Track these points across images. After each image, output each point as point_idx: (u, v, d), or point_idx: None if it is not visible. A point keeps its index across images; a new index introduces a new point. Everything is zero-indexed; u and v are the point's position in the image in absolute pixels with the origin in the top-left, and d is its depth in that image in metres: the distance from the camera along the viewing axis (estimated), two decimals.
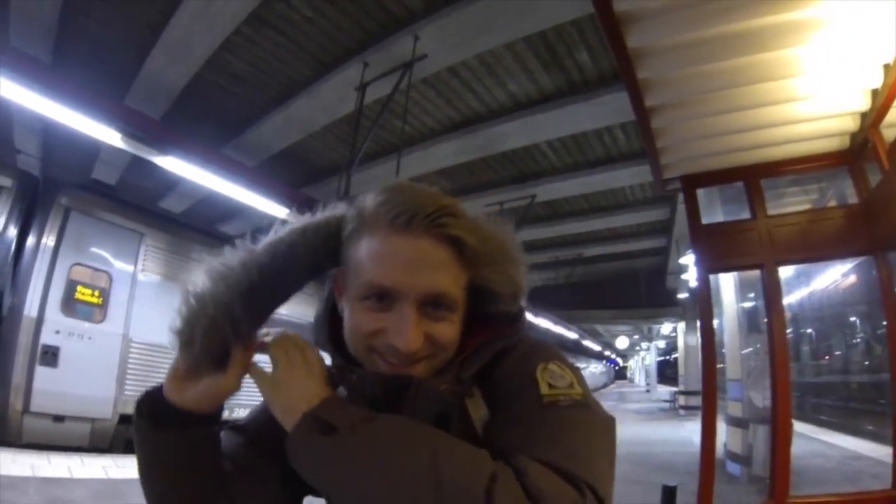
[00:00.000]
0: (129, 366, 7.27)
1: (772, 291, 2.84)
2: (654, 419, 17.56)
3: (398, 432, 0.69)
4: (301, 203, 7.79)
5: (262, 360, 0.85)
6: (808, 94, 2.60)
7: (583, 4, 5.45)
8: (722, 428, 7.83)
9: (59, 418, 6.60)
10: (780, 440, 2.73)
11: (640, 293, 19.54)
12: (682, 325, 21.53)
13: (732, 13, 2.19)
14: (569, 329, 21.00)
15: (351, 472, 0.67)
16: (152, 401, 0.83)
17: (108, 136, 5.37)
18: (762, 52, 2.38)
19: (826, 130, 2.81)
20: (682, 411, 18.62)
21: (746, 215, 3.02)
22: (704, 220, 3.15)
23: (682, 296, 17.72)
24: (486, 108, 8.85)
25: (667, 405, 21.99)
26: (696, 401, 17.48)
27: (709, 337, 3.08)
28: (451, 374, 0.82)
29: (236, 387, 0.83)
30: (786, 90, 2.57)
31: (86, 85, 5.65)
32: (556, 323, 18.82)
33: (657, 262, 17.99)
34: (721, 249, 3.03)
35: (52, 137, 10.85)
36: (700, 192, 3.24)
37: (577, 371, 0.81)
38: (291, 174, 11.31)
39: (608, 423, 0.78)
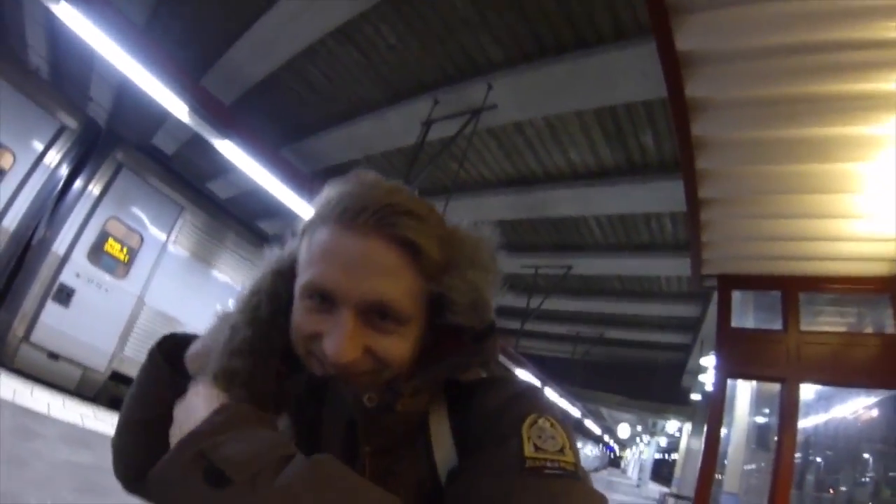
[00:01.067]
0: (136, 327, 7.32)
1: (789, 409, 2.71)
2: None
3: (314, 488, 0.56)
4: None
5: None
6: (862, 212, 2.52)
7: (658, 87, 5.50)
8: None
9: (53, 356, 6.64)
10: None
11: (653, 385, 18.99)
12: (688, 426, 20.73)
13: (802, 118, 2.17)
14: (573, 405, 20.49)
15: None
16: (174, 345, 0.86)
17: (176, 106, 5.55)
18: (824, 163, 2.34)
19: (874, 253, 2.71)
20: None
21: (777, 325, 2.94)
22: (735, 324, 3.09)
23: (696, 397, 17.20)
24: (542, 169, 8.92)
25: None
26: None
27: (714, 441, 2.96)
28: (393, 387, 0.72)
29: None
30: (841, 205, 2.51)
31: (170, 56, 5.89)
32: (561, 396, 18.41)
33: (677, 358, 17.49)
34: (745, 356, 2.91)
35: (124, 95, 11.31)
36: (735, 295, 3.18)
37: (570, 432, 0.69)
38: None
39: (601, 502, 0.65)
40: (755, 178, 2.49)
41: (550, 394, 17.27)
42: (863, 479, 12.06)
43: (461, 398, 0.77)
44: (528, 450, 0.64)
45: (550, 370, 18.69)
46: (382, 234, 0.68)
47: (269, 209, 13.56)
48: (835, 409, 12.43)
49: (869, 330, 5.35)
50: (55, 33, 10.64)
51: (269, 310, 0.78)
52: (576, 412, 21.79)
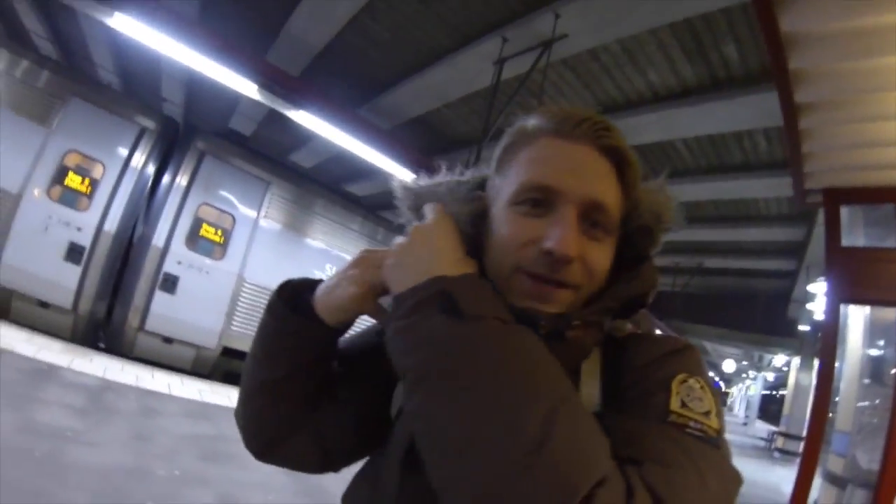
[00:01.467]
0: (239, 303, 7.82)
1: None
2: (746, 456, 16.10)
3: (530, 358, 0.58)
4: (430, 171, 7.90)
5: None
6: None
7: None
8: (816, 482, 7.10)
9: (168, 340, 7.31)
10: None
11: (757, 317, 17.89)
12: (796, 361, 19.59)
13: None
14: None
15: (451, 374, 0.56)
16: (295, 289, 0.83)
17: (246, 87, 5.72)
18: None
19: None
20: (777, 454, 17.23)
21: (892, 244, 2.62)
22: (844, 243, 2.78)
23: (804, 328, 16.12)
24: (623, 96, 8.45)
25: (762, 444, 20.45)
26: (796, 446, 16.13)
27: (827, 376, 2.72)
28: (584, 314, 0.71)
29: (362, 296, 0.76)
30: None
31: (230, 40, 6.04)
32: (664, 331, 17.98)
33: (781, 287, 16.35)
34: (859, 278, 2.57)
35: (195, 88, 11.87)
36: (843, 211, 2.86)
37: (718, 398, 0.67)
38: (423, 141, 11.49)
39: (735, 481, 0.63)
40: (858, 76, 2.15)
41: (654, 328, 16.95)
42: None
43: (615, 352, 0.75)
44: (675, 404, 0.63)
45: (651, 305, 18.30)
46: (598, 143, 0.70)
47: (354, 171, 13.91)
48: None
49: None
50: (117, 46, 11.30)
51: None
52: None
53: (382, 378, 0.81)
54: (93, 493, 3.12)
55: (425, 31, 8.01)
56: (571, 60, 7.74)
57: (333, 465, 0.88)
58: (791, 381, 20.58)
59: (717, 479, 0.58)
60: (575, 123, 0.70)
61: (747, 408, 40.77)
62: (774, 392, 45.51)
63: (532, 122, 0.75)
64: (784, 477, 11.04)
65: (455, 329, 0.58)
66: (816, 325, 13.81)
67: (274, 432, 0.83)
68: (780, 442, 17.91)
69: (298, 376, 0.80)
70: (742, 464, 13.24)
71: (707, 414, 0.63)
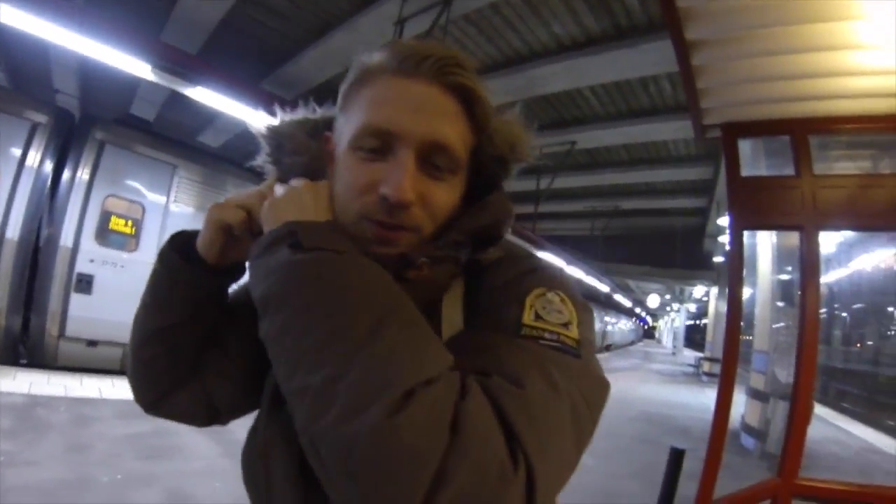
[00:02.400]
0: None
1: (809, 258, 2.61)
2: (676, 382, 17.37)
3: (360, 278, 0.60)
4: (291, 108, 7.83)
5: None
6: (874, 42, 2.27)
7: None
8: (741, 399, 7.71)
9: (92, 343, 6.94)
10: (798, 418, 2.58)
11: (675, 253, 18.95)
12: (714, 290, 20.95)
13: None
14: (601, 281, 20.75)
15: (287, 297, 0.59)
16: (182, 238, 0.85)
17: (141, 69, 5.37)
18: None
19: (890, 88, 2.49)
20: (705, 377, 18.28)
21: (789, 172, 2.77)
22: (744, 174, 2.92)
23: (718, 259, 17.25)
24: (528, 48, 8.51)
25: (691, 370, 21.56)
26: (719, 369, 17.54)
27: (736, 300, 2.89)
28: (430, 250, 0.71)
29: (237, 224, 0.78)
30: (849, 34, 2.24)
31: (120, 23, 5.65)
32: (588, 273, 18.60)
33: (695, 223, 17.43)
34: (759, 205, 2.75)
35: (89, 76, 11.16)
36: (745, 145, 3.00)
37: (584, 311, 0.68)
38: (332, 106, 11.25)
39: (599, 388, 0.64)
40: (747, 12, 2.22)
41: (577, 272, 17.54)
42: (890, 332, 12.19)
43: (478, 278, 0.75)
44: (528, 317, 0.63)
45: (572, 249, 18.85)
46: (444, 81, 0.69)
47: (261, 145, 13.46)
48: (858, 262, 12.44)
49: (888, 171, 5.11)
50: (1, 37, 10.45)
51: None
52: (604, 287, 22.13)
53: None
54: None
55: None
56: (473, 15, 7.75)
57: (217, 416, 0.89)
58: (711, 309, 21.98)
59: (573, 388, 0.58)
60: (418, 61, 0.69)
61: (674, 338, 43.12)
62: (698, 322, 48.31)
63: (376, 58, 0.73)
64: (713, 398, 11.84)
65: (294, 258, 0.61)
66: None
67: (164, 383, 0.84)
68: (706, 367, 18.92)
69: (189, 323, 0.82)
70: (673, 389, 14.17)
71: (566, 325, 0.64)
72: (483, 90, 0.73)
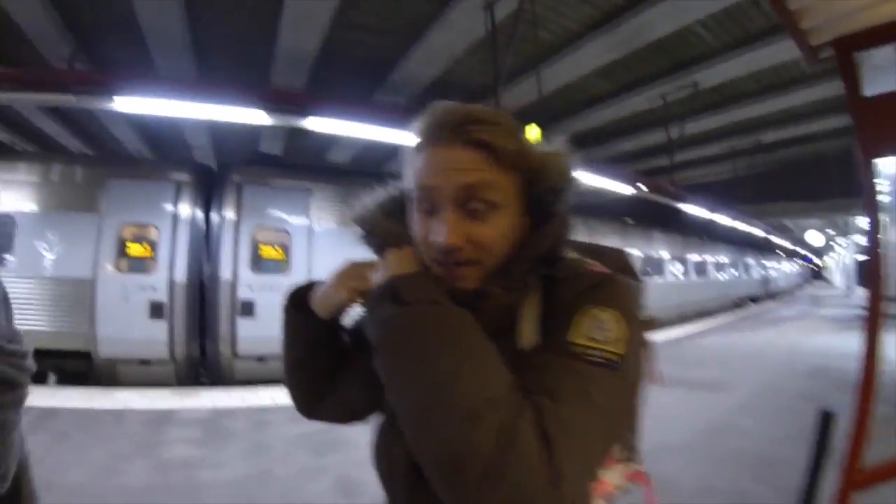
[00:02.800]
0: None
1: None
2: (850, 328, 15.22)
3: (444, 325, 0.77)
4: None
5: None
6: None
7: None
8: None
9: (261, 359, 7.82)
10: None
11: (832, 181, 16.59)
12: (884, 218, 18.18)
13: None
14: (752, 226, 19.11)
15: (392, 343, 0.78)
16: (299, 295, 1.06)
17: (257, 117, 5.97)
18: None
19: None
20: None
21: None
22: (868, 93, 2.54)
23: (884, 182, 15.02)
24: None
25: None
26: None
27: (875, 241, 2.56)
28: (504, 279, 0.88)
29: (347, 299, 0.98)
30: None
31: (232, 74, 6.23)
32: (735, 219, 17.18)
33: (848, 143, 14.96)
34: (889, 129, 2.41)
35: (217, 129, 12.49)
36: (866, 58, 2.62)
37: (634, 325, 0.81)
38: (447, 100, 11.44)
39: (627, 394, 0.83)
40: None
41: (724, 219, 16.33)
42: None
43: (552, 292, 0.89)
44: (576, 337, 0.78)
45: (718, 194, 17.55)
46: (460, 140, 0.85)
47: (391, 151, 14.05)
48: None
49: None
50: (133, 120, 12.00)
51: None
52: (758, 232, 20.40)
53: None
54: (227, 502, 3.64)
55: (405, 1, 7.93)
56: None
57: (358, 418, 1.13)
58: (883, 240, 19.12)
59: (607, 398, 0.75)
60: (439, 130, 0.87)
61: (846, 277, 38.38)
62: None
63: (414, 136, 0.92)
64: (892, 344, 10.44)
65: (394, 312, 0.79)
66: None
67: (310, 399, 1.11)
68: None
69: (314, 356, 1.07)
70: (845, 337, 12.54)
71: (613, 341, 0.78)
72: (503, 136, 0.87)
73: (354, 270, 0.98)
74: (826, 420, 2.63)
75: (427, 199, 0.88)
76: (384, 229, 1.02)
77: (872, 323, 2.38)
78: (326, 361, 1.08)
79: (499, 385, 0.73)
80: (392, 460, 0.98)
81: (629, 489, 1.11)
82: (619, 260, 1.09)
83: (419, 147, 0.90)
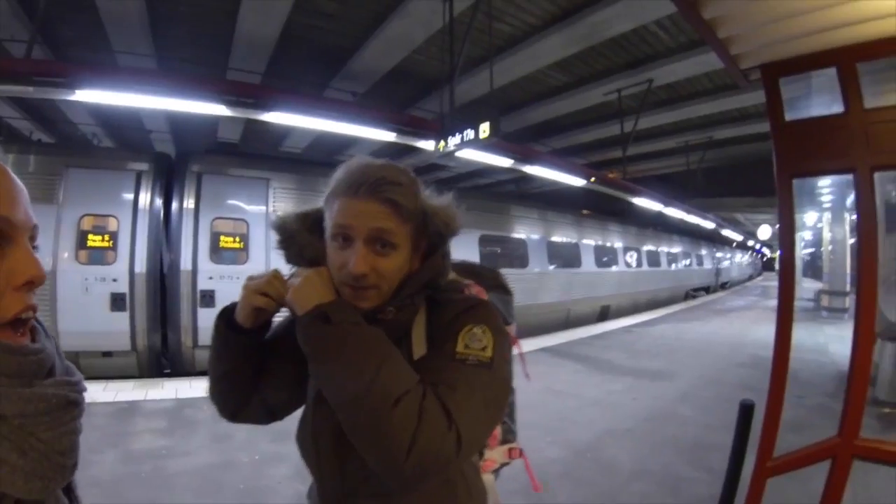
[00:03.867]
0: None
1: (865, 201, 2.42)
2: (795, 320, 15.97)
3: (365, 339, 1.00)
4: (406, 124, 7.98)
5: None
6: None
7: None
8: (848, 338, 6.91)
9: None
10: (858, 373, 2.46)
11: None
12: (827, 216, 18.70)
13: None
14: (704, 218, 19.63)
15: (328, 353, 0.99)
16: (228, 312, 1.19)
17: (215, 109, 6.04)
18: None
19: None
20: (824, 313, 16.27)
21: (838, 109, 2.53)
22: (812, 113, 2.71)
23: (827, 182, 15.54)
24: None
25: (811, 305, 19.18)
26: (841, 302, 15.76)
27: (789, 256, 2.74)
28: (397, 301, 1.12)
29: (264, 305, 1.12)
30: None
31: (191, 57, 6.13)
32: (688, 212, 17.65)
33: None
34: (807, 150, 2.55)
35: (175, 115, 12.11)
36: (801, 83, 2.79)
37: (498, 335, 1.09)
38: (405, 91, 11.67)
39: (499, 384, 1.08)
40: None
41: (677, 212, 16.76)
42: None
43: (435, 312, 1.15)
44: (460, 346, 1.05)
45: (671, 187, 17.99)
46: (375, 196, 1.07)
47: (345, 141, 13.98)
48: None
49: None
50: (90, 106, 11.78)
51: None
52: (709, 224, 21.00)
53: (299, 351, 1.09)
54: (195, 491, 3.80)
55: None
56: None
57: (278, 417, 1.33)
58: (826, 237, 19.71)
59: (486, 388, 1.02)
60: (357, 186, 1.08)
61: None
62: (817, 249, 44.49)
63: (336, 180, 1.13)
64: (832, 336, 10.87)
65: (327, 330, 1.01)
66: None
67: (234, 405, 1.25)
68: (825, 301, 17.15)
69: (242, 365, 1.20)
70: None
71: (484, 349, 1.05)
72: (405, 195, 1.10)
73: (267, 279, 1.13)
74: (746, 411, 2.84)
75: (342, 235, 1.08)
76: (303, 240, 1.19)
77: (784, 329, 2.55)
78: (251, 370, 1.22)
79: (409, 378, 0.98)
80: (321, 441, 1.16)
81: (510, 462, 1.39)
82: (493, 279, 1.45)
83: (339, 193, 1.10)
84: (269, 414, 1.32)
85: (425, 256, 1.20)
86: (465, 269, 1.43)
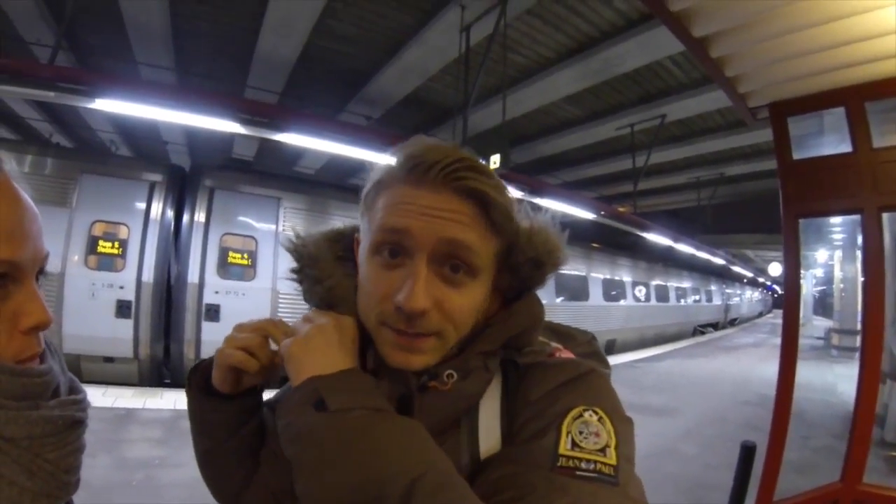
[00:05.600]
0: (278, 313, 8.19)
1: (872, 242, 2.38)
2: (802, 358, 15.24)
3: (388, 442, 0.60)
4: None
5: None
6: None
7: None
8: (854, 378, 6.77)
9: None
10: (862, 417, 2.37)
11: None
12: (838, 254, 18.42)
13: None
14: (714, 254, 19.52)
15: (314, 466, 0.61)
16: (200, 372, 0.87)
17: (231, 126, 6.12)
18: None
19: None
20: (834, 352, 15.80)
21: (847, 148, 2.52)
22: (826, 151, 2.70)
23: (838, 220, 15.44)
24: (597, 30, 8.36)
25: (821, 343, 18.64)
26: (852, 341, 15.16)
27: (793, 295, 2.71)
28: (461, 362, 0.72)
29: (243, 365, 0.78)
30: None
31: (209, 76, 6.24)
32: (698, 248, 17.57)
33: None
34: (813, 189, 2.54)
35: (193, 128, 12.35)
36: (813, 121, 2.79)
37: (622, 425, 0.67)
38: (419, 118, 11.83)
39: None
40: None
41: (687, 248, 16.68)
42: None
43: (517, 383, 0.74)
44: (564, 447, 0.62)
45: (681, 222, 17.92)
46: (453, 186, 0.68)
47: (357, 165, 14.16)
48: None
49: None
50: (110, 114, 12.01)
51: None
52: (718, 260, 20.87)
53: None
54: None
55: (386, 17, 8.17)
56: (535, 8, 7.78)
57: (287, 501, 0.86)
58: (837, 275, 19.31)
59: None
60: (425, 169, 0.68)
61: (804, 306, 38.95)
62: (828, 287, 44.14)
63: (391, 166, 0.73)
64: (841, 375, 10.75)
65: (321, 422, 0.61)
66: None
67: (230, 489, 0.92)
68: (835, 339, 16.53)
69: (226, 441, 0.87)
70: (799, 367, 12.93)
71: (603, 450, 0.62)
72: (499, 191, 0.71)
73: (247, 328, 0.80)
74: (747, 453, 2.77)
75: (392, 245, 0.69)
76: (325, 273, 0.81)
77: (787, 370, 2.50)
78: (238, 443, 0.88)
79: None
80: None
81: None
82: (588, 345, 0.91)
83: (390, 181, 0.73)
84: (276, 497, 0.90)
85: (506, 298, 0.80)
86: (548, 327, 0.90)
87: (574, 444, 0.62)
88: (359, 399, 0.63)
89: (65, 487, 0.66)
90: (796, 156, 2.67)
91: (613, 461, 0.61)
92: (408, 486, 0.55)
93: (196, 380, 0.87)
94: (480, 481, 0.63)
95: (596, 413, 0.66)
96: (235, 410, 0.85)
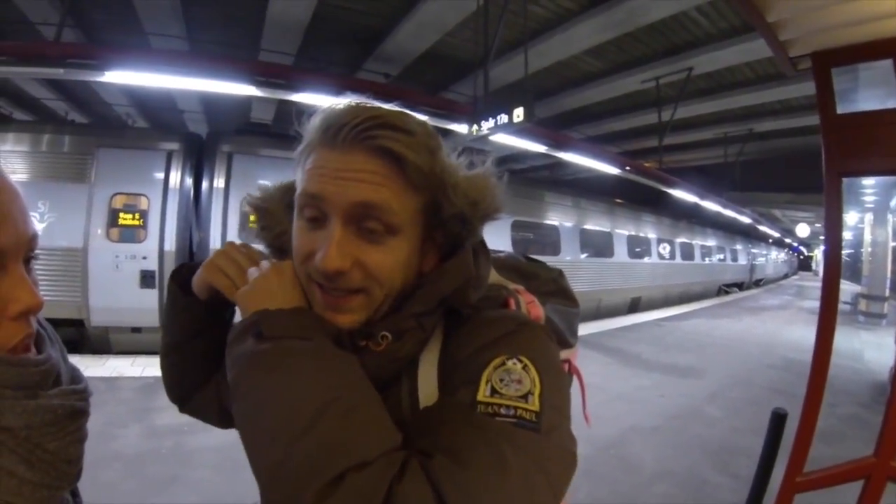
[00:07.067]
0: None
1: None
2: None
3: (309, 368, 0.64)
4: (439, 107, 7.90)
5: None
6: None
7: None
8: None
9: None
10: None
11: (818, 176, 16.50)
12: (869, 217, 17.60)
13: None
14: (741, 213, 19.11)
15: (247, 387, 0.66)
16: (183, 273, 0.95)
17: (246, 90, 6.08)
18: None
19: None
20: (861, 318, 15.24)
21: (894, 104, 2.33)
22: (840, 110, 2.53)
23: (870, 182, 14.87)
24: None
25: (847, 307, 17.46)
26: (879, 307, 15.01)
27: (834, 257, 2.56)
28: (397, 319, 0.73)
29: (219, 285, 0.84)
30: None
31: (222, 39, 6.15)
32: (725, 206, 17.19)
33: None
34: (858, 147, 2.38)
35: (208, 96, 12.38)
36: (848, 75, 2.59)
37: (550, 375, 0.67)
38: (438, 74, 11.57)
39: (555, 463, 0.63)
40: None
41: (713, 205, 16.34)
42: None
43: (455, 336, 0.74)
44: (483, 394, 0.64)
45: (707, 179, 17.51)
46: (364, 146, 0.69)
47: None
48: None
49: None
50: (124, 87, 11.87)
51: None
52: (745, 219, 20.44)
53: None
54: (214, 467, 3.86)
55: None
56: None
57: (232, 422, 0.84)
58: (866, 238, 18.40)
59: (528, 463, 0.59)
60: (336, 131, 0.70)
61: None
62: (858, 250, 43.25)
63: (309, 126, 0.76)
64: (868, 342, 10.51)
65: (255, 349, 0.66)
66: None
67: (182, 387, 1.02)
68: (863, 305, 15.90)
69: (192, 341, 0.96)
70: None
71: (525, 397, 0.63)
72: (413, 147, 0.71)
73: (234, 253, 0.86)
74: (778, 421, 2.69)
75: (312, 208, 0.72)
76: (275, 221, 0.88)
77: (824, 339, 2.38)
78: (203, 347, 0.96)
79: (378, 439, 0.60)
80: None
81: None
82: (554, 283, 0.97)
83: (311, 144, 0.74)
84: (221, 413, 1.01)
85: (444, 254, 0.80)
86: (510, 266, 0.95)
87: (494, 391, 0.63)
88: (291, 330, 0.67)
89: (66, 478, 0.66)
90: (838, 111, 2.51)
91: (535, 407, 0.63)
92: (319, 408, 0.59)
93: (179, 277, 0.95)
94: (415, 427, 0.66)
95: (521, 361, 0.66)
96: (204, 316, 0.93)
